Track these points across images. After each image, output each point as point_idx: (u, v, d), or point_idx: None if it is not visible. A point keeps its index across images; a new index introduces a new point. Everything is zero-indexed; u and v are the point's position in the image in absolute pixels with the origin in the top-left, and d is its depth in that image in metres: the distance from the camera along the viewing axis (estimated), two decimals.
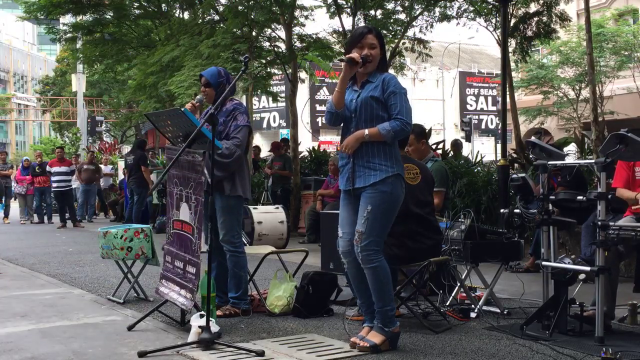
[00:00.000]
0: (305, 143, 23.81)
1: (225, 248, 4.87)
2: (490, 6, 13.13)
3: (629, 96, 20.40)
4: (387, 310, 3.94)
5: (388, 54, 11.46)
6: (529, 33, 12.82)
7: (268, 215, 9.65)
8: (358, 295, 4.14)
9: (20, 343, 4.26)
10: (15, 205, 18.51)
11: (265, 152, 17.05)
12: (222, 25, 13.44)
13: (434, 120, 34.77)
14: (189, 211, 4.45)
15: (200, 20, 15.05)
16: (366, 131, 3.92)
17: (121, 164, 20.48)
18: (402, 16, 13.75)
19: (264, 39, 14.36)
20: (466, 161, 10.99)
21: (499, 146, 10.59)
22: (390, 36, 13.64)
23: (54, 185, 15.75)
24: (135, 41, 17.35)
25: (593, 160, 4.38)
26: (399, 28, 13.73)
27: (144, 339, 4.32)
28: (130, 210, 13.89)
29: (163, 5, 16.17)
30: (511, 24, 12.02)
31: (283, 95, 25.49)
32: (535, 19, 12.71)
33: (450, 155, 11.69)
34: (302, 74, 17.21)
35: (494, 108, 40.22)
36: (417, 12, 13.68)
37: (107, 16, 16.71)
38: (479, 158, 11.84)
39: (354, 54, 3.99)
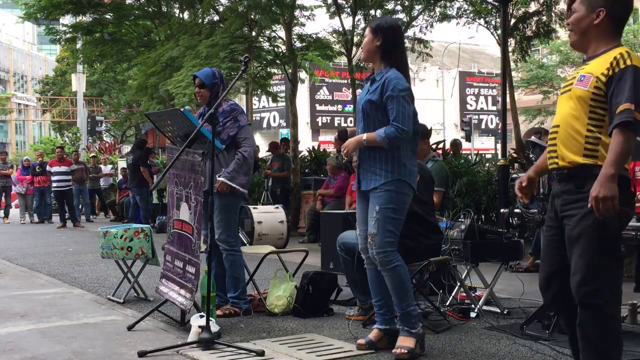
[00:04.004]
0: (305, 142, 23.83)
1: (221, 247, 4.87)
2: (490, 6, 13.14)
3: None
4: (410, 311, 3.86)
5: None
6: (529, 33, 12.84)
7: (268, 215, 9.65)
8: (373, 294, 4.08)
9: (20, 343, 4.26)
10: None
11: (263, 152, 17.06)
12: (221, 25, 13.45)
13: (434, 120, 34.82)
14: (189, 211, 4.45)
15: (200, 20, 15.07)
16: (364, 136, 3.89)
17: (121, 164, 20.49)
18: (402, 16, 13.76)
19: (264, 39, 14.37)
20: (466, 161, 11.00)
21: (499, 146, 10.61)
22: None
23: (54, 185, 15.73)
24: (135, 41, 17.35)
25: None
26: None
27: (144, 338, 4.32)
28: (134, 211, 13.85)
29: (162, 4, 16.17)
30: (511, 24, 12.03)
31: (283, 95, 25.52)
32: (535, 18, 12.72)
33: (450, 155, 11.70)
34: (302, 74, 17.23)
35: (494, 108, 40.29)
36: (417, 12, 13.69)
37: (107, 16, 16.70)
38: (479, 158, 11.84)
39: None
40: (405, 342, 3.83)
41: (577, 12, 2.92)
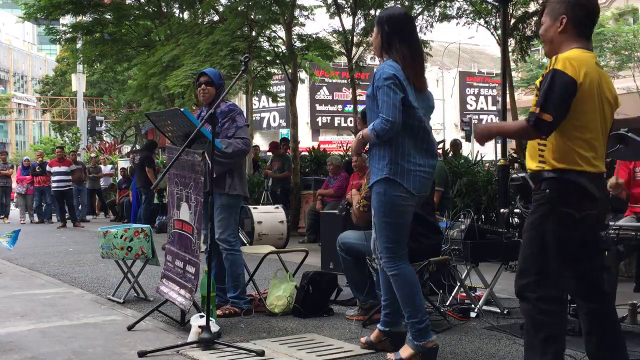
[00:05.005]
0: (305, 142, 23.82)
1: (221, 247, 4.87)
2: (490, 6, 13.14)
3: (629, 96, 20.39)
4: (414, 323, 3.64)
5: None
6: (529, 33, 12.85)
7: (268, 215, 9.65)
8: (382, 292, 3.97)
9: (20, 343, 4.26)
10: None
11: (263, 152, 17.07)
12: (221, 25, 13.47)
13: (434, 120, 34.65)
14: (189, 211, 4.45)
15: (200, 21, 15.08)
16: (361, 133, 3.74)
17: (121, 164, 20.48)
18: None
19: (264, 39, 14.38)
20: (466, 161, 10.99)
21: (499, 146, 10.62)
22: None
23: (54, 185, 15.71)
24: (135, 41, 17.36)
25: None
26: None
27: (144, 338, 4.32)
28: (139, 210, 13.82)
29: (163, 5, 16.18)
30: (511, 24, 12.04)
31: (283, 95, 25.53)
32: (535, 18, 12.72)
33: (450, 155, 11.70)
34: (302, 74, 17.23)
35: (494, 108, 40.30)
36: (417, 12, 13.70)
37: (107, 16, 16.72)
38: (478, 158, 11.83)
39: None
40: (402, 351, 3.70)
41: (544, 23, 3.04)
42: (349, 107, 32.00)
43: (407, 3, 13.48)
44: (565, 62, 2.84)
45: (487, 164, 12.13)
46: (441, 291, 5.09)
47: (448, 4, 13.80)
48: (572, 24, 2.96)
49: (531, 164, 2.99)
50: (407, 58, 3.69)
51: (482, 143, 3.15)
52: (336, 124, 37.22)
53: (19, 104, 62.66)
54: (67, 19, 19.49)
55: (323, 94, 36.70)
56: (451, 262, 5.03)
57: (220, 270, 4.99)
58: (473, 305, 5.04)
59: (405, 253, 3.76)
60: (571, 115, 2.86)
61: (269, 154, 13.63)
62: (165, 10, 16.33)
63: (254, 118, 24.73)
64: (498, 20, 12.54)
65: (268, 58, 14.76)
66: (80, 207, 17.29)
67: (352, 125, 14.40)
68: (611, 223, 4.15)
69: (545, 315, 2.87)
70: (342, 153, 14.64)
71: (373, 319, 4.66)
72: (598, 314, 2.98)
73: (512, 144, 13.52)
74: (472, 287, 5.40)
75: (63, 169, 15.79)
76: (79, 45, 19.06)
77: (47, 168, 16.24)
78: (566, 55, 2.87)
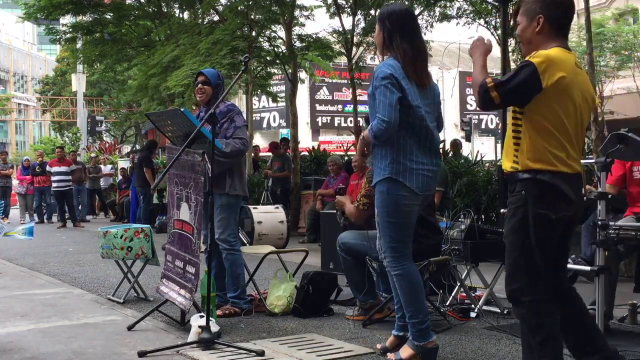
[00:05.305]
0: (305, 142, 23.82)
1: (221, 247, 4.87)
2: (490, 6, 13.14)
3: (628, 96, 20.36)
4: (415, 323, 3.63)
5: None
6: None
7: (268, 215, 9.66)
8: (394, 294, 3.91)
9: (20, 343, 4.26)
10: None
11: (263, 152, 17.05)
12: (221, 25, 13.49)
13: None
14: (189, 211, 4.45)
15: (200, 21, 15.09)
16: (362, 134, 3.72)
17: (121, 164, 20.48)
18: None
19: (264, 39, 14.39)
20: (466, 161, 10.99)
21: (499, 146, 10.62)
22: None
23: (54, 185, 15.72)
24: (135, 41, 17.36)
25: (593, 160, 4.38)
26: None
27: (144, 338, 4.32)
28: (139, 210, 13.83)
29: (163, 5, 16.18)
30: (511, 24, 12.03)
31: (283, 95, 25.53)
32: None
33: (450, 155, 11.70)
34: (302, 74, 17.24)
35: None
36: (417, 12, 13.71)
37: (107, 16, 16.72)
38: (478, 158, 11.84)
39: None
40: (402, 351, 3.68)
41: (520, 23, 3.02)
42: (349, 107, 32.00)
43: (407, 3, 13.49)
44: (544, 61, 2.83)
45: (487, 164, 12.13)
46: (441, 291, 5.09)
47: (448, 4, 13.81)
48: (549, 24, 2.94)
49: (506, 165, 3.00)
50: (407, 55, 3.66)
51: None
52: (336, 124, 37.17)
53: (19, 104, 62.64)
54: (67, 19, 19.50)
55: (323, 94, 36.67)
56: (451, 262, 5.03)
57: (220, 270, 4.99)
58: (473, 305, 5.04)
59: (410, 253, 3.74)
60: (545, 115, 2.86)
61: (268, 153, 13.63)
62: (165, 10, 16.33)
63: (254, 118, 24.78)
64: (498, 20, 12.54)
65: (268, 58, 14.76)
66: (80, 207, 17.29)
67: (352, 125, 14.46)
68: (611, 223, 4.14)
69: (540, 316, 2.87)
70: (342, 153, 14.65)
71: (373, 319, 4.67)
72: (570, 314, 3.00)
73: None
74: (472, 287, 5.40)
75: (63, 169, 15.79)
76: (79, 45, 19.06)
77: (47, 168, 16.24)
78: (547, 54, 2.86)
